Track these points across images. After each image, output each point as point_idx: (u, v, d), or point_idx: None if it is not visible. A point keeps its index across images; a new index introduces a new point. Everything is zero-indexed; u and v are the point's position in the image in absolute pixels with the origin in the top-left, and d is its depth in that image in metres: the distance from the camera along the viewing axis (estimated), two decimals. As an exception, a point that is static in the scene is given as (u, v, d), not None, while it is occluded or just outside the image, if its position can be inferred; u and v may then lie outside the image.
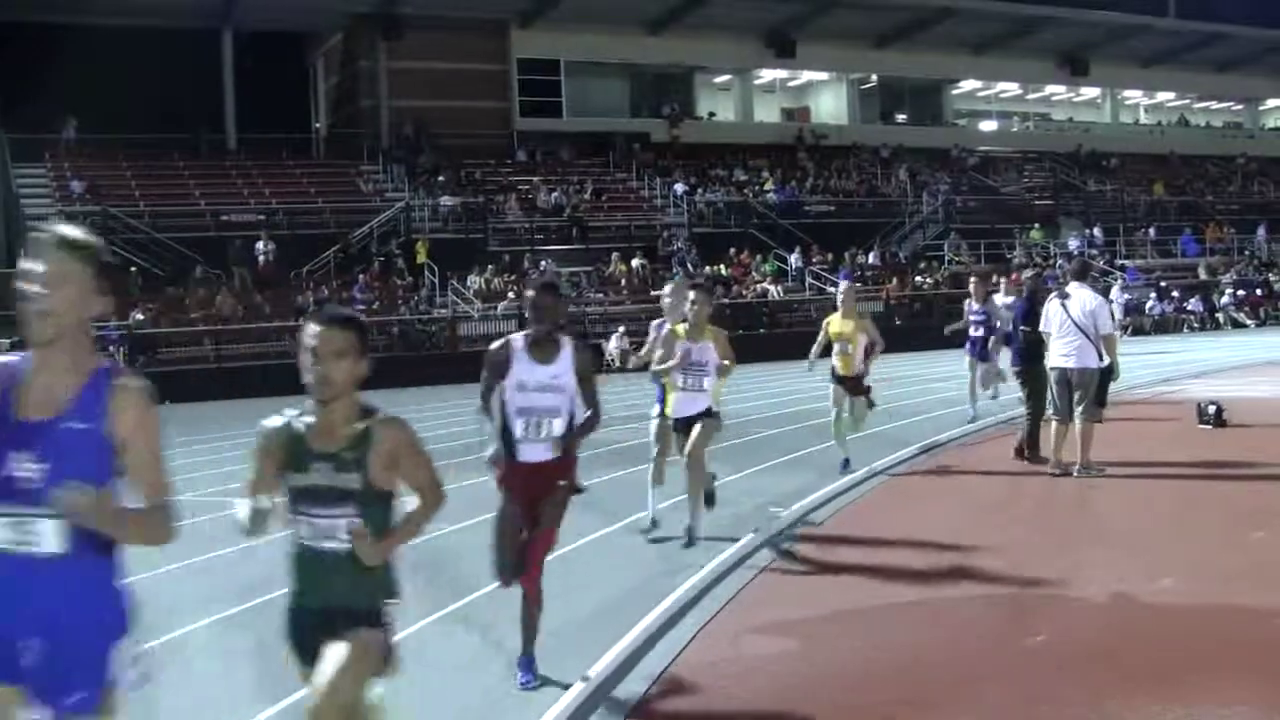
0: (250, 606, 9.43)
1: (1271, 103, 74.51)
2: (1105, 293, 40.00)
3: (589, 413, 7.62)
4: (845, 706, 6.69)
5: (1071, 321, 13.63)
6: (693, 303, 11.22)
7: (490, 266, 41.77)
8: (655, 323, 12.42)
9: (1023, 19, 58.84)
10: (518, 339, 7.72)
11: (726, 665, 7.45)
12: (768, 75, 61.57)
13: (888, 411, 19.26)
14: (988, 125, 67.14)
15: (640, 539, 11.40)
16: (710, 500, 11.64)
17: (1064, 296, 13.92)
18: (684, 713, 6.62)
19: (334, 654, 4.65)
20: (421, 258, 41.13)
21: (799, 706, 6.70)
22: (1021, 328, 14.54)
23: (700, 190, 50.55)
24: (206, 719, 7.04)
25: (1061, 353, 13.78)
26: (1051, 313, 13.94)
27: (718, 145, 56.11)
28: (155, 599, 9.91)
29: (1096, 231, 53.92)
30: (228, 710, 7.14)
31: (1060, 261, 44.05)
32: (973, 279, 21.02)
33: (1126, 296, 44.94)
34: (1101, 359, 13.62)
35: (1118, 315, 40.06)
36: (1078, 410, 13.58)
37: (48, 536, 3.92)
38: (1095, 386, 13.57)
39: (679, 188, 49.62)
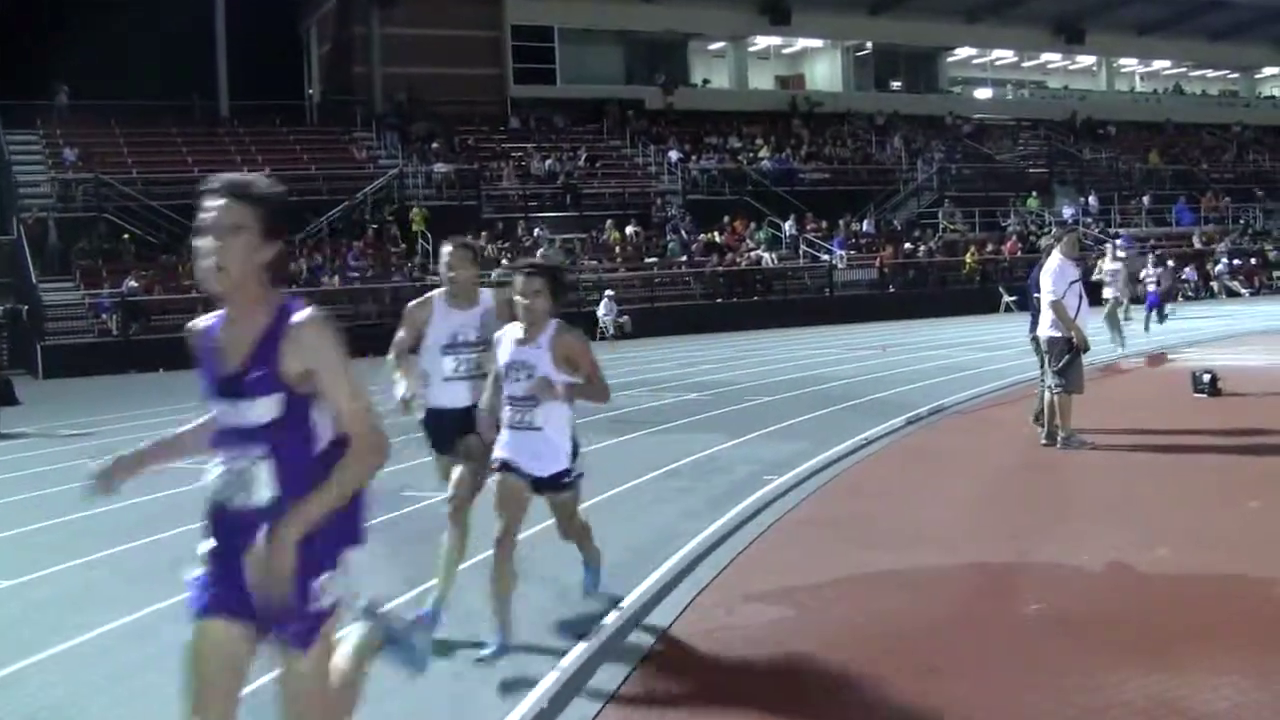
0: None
1: (1268, 71, 74.51)
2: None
3: None
4: (841, 674, 6.67)
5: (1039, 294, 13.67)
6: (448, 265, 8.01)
7: (484, 234, 41.68)
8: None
9: (1019, -14, 58.91)
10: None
11: (722, 633, 7.43)
12: (762, 42, 61.47)
13: (882, 381, 19.26)
14: (983, 93, 67.09)
15: (634, 507, 11.37)
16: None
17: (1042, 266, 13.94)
18: (679, 680, 6.61)
19: None
20: (418, 226, 41.07)
21: (795, 673, 6.69)
22: (1035, 295, 14.47)
23: (694, 158, 50.53)
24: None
25: (1041, 321, 13.82)
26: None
27: (712, 113, 56.10)
28: (165, 562, 9.93)
29: (1091, 200, 53.95)
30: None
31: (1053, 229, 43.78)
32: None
33: (1117, 265, 44.19)
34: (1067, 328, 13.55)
35: (1115, 284, 39.52)
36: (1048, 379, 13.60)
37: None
38: (1056, 355, 13.47)
39: (673, 155, 49.60)
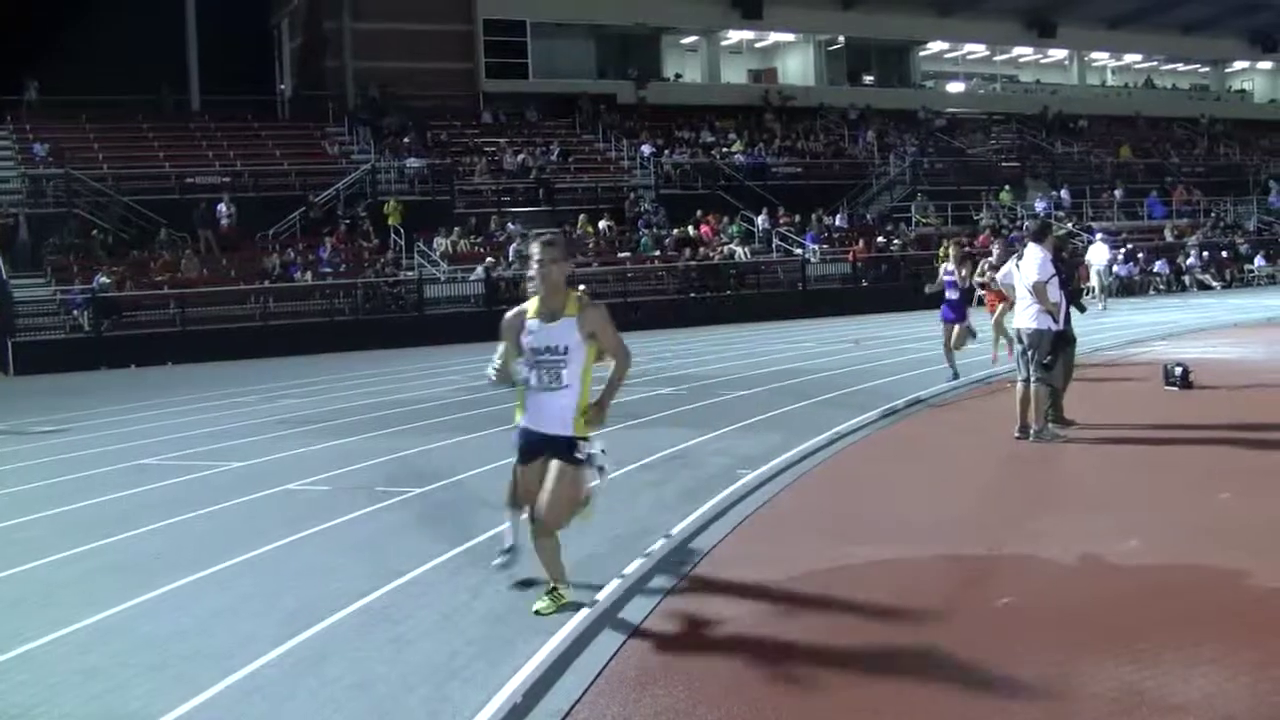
0: (239, 561, 9.54)
1: (1238, 65, 74.83)
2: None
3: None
4: (813, 667, 6.69)
5: (1024, 283, 13.64)
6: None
7: (457, 229, 41.61)
8: None
9: (990, -21, 59.16)
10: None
11: (695, 628, 7.45)
12: (734, 36, 61.46)
13: (856, 374, 19.28)
14: (955, 87, 67.19)
15: (608, 501, 11.36)
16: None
17: (1020, 258, 13.94)
18: (649, 680, 6.61)
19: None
20: (394, 219, 40.98)
21: (767, 666, 6.70)
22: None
23: (667, 152, 50.47)
24: (219, 663, 7.05)
25: (1017, 314, 13.82)
26: (1014, 275, 13.99)
27: (684, 107, 56.06)
28: (140, 558, 9.90)
29: (1064, 193, 54.03)
30: (237, 654, 7.16)
31: (1025, 223, 43.80)
32: None
33: (1114, 254, 44.05)
34: (1057, 322, 13.60)
35: (1101, 276, 39.88)
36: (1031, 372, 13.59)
37: None
38: (1044, 349, 13.49)
39: (646, 149, 49.55)
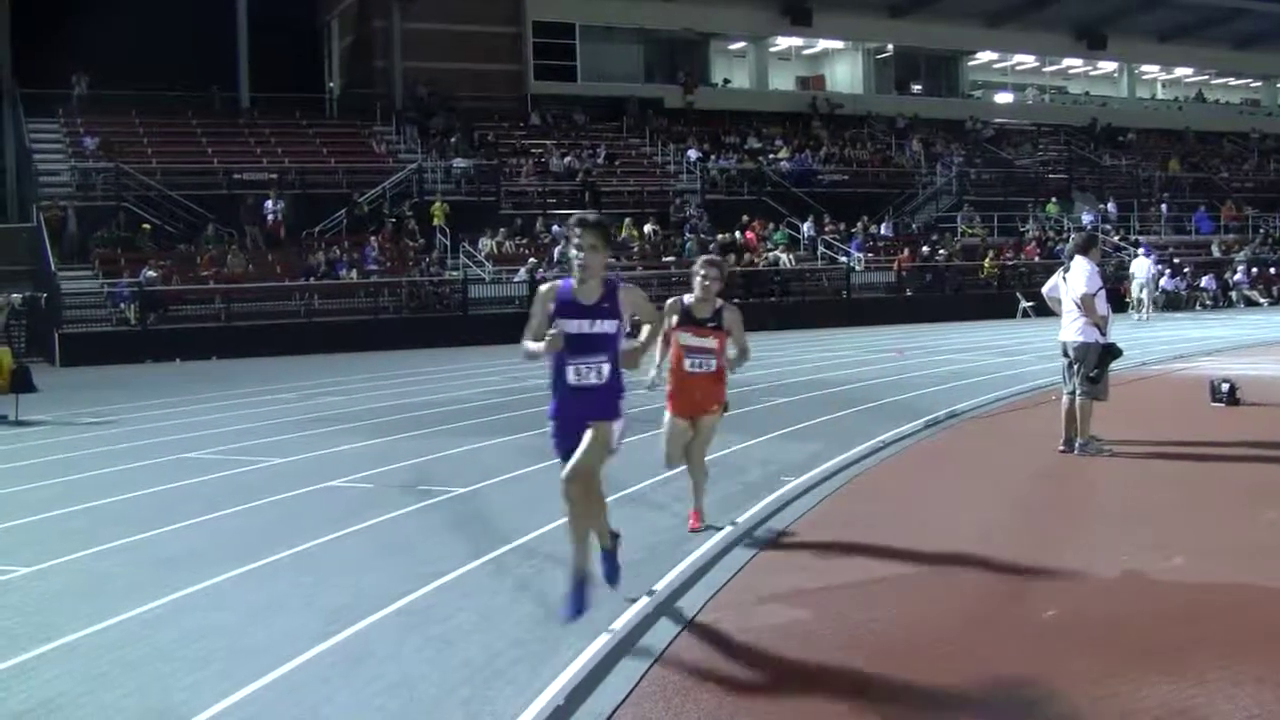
0: (281, 557, 9.58)
1: (1291, 80, 74.21)
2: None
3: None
4: (855, 677, 6.65)
5: (1071, 296, 13.58)
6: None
7: (502, 230, 41.70)
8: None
9: (1041, -10, 58.87)
10: None
11: (738, 635, 7.41)
12: (783, 43, 61.49)
13: (899, 384, 19.19)
14: (1003, 97, 66.98)
15: (650, 507, 11.35)
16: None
17: (1067, 270, 13.87)
18: (693, 682, 6.60)
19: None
20: (439, 219, 41.13)
21: (809, 676, 6.67)
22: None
23: (713, 157, 50.47)
24: (260, 659, 7.06)
25: (1063, 327, 13.76)
26: (1060, 288, 13.91)
27: (732, 112, 56.14)
28: (182, 552, 9.94)
29: (1110, 206, 53.77)
30: (278, 650, 7.15)
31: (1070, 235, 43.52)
32: None
33: (1157, 268, 43.88)
34: (1104, 335, 13.55)
35: (1144, 290, 39.84)
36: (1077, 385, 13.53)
37: None
38: (1090, 362, 13.43)
39: (692, 154, 49.58)
